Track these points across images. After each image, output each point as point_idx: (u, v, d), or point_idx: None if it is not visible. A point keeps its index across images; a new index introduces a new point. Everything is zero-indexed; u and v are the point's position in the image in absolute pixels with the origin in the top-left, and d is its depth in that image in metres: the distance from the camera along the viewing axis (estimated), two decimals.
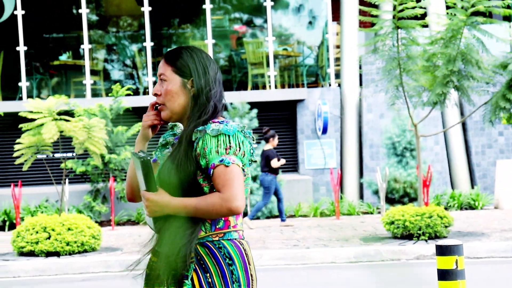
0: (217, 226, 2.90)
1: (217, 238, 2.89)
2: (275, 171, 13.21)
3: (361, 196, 16.20)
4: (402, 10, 10.66)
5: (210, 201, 2.82)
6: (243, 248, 2.91)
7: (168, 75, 2.98)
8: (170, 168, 2.89)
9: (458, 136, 16.38)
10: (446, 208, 14.84)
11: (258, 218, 14.19)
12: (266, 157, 13.16)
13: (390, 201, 14.76)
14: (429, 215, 10.70)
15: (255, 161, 3.02)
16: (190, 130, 2.90)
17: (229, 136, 2.86)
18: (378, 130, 16.24)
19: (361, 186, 16.18)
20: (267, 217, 14.58)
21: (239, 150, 2.87)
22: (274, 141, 13.37)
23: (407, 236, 10.82)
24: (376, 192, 14.95)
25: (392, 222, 10.92)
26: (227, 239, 2.90)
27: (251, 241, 11.43)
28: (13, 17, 16.11)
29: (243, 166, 2.88)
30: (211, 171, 2.84)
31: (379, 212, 14.74)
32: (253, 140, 2.96)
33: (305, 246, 10.71)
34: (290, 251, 10.35)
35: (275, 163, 13.08)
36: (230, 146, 2.85)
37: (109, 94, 15.30)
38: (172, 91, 2.97)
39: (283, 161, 13.40)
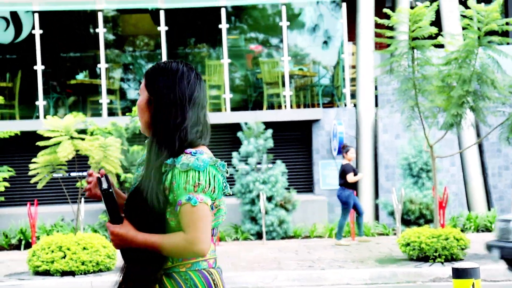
0: None
1: (184, 269, 2.77)
2: (352, 186, 13.26)
3: (377, 217, 16.13)
4: (415, 30, 10.66)
5: (174, 241, 2.70)
6: (212, 278, 2.79)
7: (141, 88, 2.86)
8: (136, 199, 2.77)
9: (474, 158, 16.29)
10: (462, 230, 14.74)
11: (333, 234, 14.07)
12: (342, 171, 13.28)
13: (406, 222, 14.68)
14: (445, 237, 10.63)
15: (230, 194, 2.89)
16: (159, 162, 2.74)
17: (199, 172, 2.69)
18: (394, 151, 16.19)
19: (376, 207, 16.11)
20: (282, 238, 14.53)
21: (209, 187, 2.71)
22: (349, 155, 13.34)
23: (423, 258, 10.75)
24: (391, 213, 14.87)
25: (408, 244, 10.86)
26: (194, 270, 2.78)
27: (266, 261, 11.39)
28: (31, 36, 16.26)
29: (213, 201, 2.75)
30: (178, 208, 2.70)
31: (394, 234, 14.65)
32: (227, 173, 2.80)
33: (320, 267, 10.66)
34: (305, 272, 10.30)
35: (350, 177, 13.12)
36: (199, 183, 2.69)
37: (127, 114, 15.36)
38: (139, 106, 2.85)
39: (360, 175, 13.48)
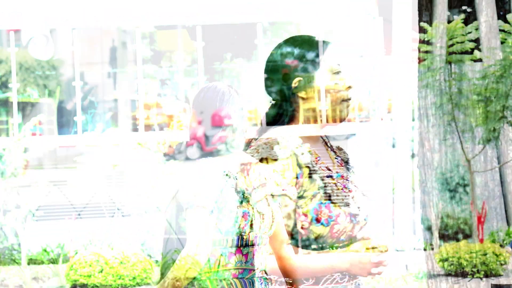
0: None
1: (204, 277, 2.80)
2: None
3: (413, 232, 15.99)
4: (452, 45, 10.60)
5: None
6: None
7: None
8: None
9: None
10: (501, 245, 14.55)
11: None
12: None
13: (444, 237, 14.53)
14: (484, 252, 10.52)
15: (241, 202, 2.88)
16: None
17: None
18: (430, 165, 16.05)
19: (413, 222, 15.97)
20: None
21: None
22: None
23: (461, 273, 10.63)
24: (428, 228, 14.75)
25: (446, 259, 10.75)
26: (211, 279, 2.79)
27: None
28: (70, 52, 16.46)
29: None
30: None
31: (432, 249, 14.51)
32: (236, 179, 2.84)
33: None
34: (341, 285, 10.23)
35: None
36: None
37: (166, 129, 15.46)
38: None
39: None
